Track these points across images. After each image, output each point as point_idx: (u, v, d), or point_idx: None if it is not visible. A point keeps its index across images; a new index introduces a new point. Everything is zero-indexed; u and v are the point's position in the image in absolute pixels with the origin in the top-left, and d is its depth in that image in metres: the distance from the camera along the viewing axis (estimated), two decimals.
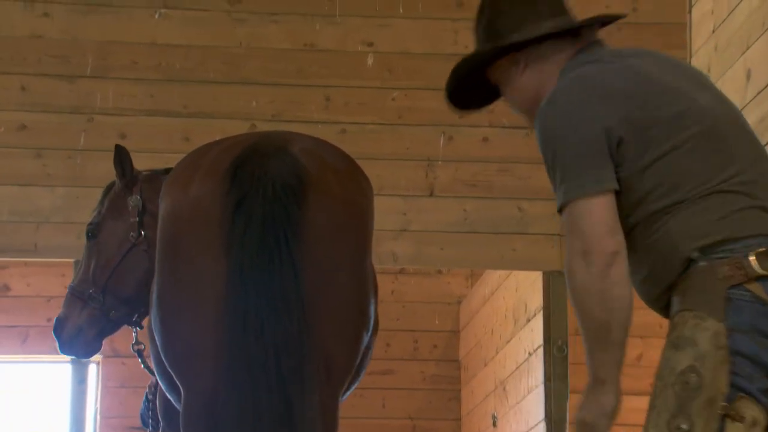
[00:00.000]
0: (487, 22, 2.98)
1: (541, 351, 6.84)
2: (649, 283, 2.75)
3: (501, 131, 6.99)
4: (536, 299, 7.01)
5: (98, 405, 8.46)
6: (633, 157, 2.68)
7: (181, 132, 6.75)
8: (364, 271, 3.46)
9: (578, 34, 2.90)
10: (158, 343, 3.47)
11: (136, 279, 4.33)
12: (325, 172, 3.42)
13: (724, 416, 2.54)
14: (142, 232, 4.28)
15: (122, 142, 6.68)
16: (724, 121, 2.78)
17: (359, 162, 3.66)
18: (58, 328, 4.49)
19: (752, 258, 2.57)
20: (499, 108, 7.55)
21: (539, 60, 2.91)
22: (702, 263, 2.62)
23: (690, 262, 2.63)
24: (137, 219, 4.29)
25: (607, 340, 2.64)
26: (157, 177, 4.39)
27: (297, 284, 3.26)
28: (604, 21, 2.97)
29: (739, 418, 2.54)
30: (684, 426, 2.54)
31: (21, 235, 6.67)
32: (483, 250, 6.88)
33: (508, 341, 7.79)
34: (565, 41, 2.90)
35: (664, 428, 2.56)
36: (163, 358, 3.46)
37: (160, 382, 3.66)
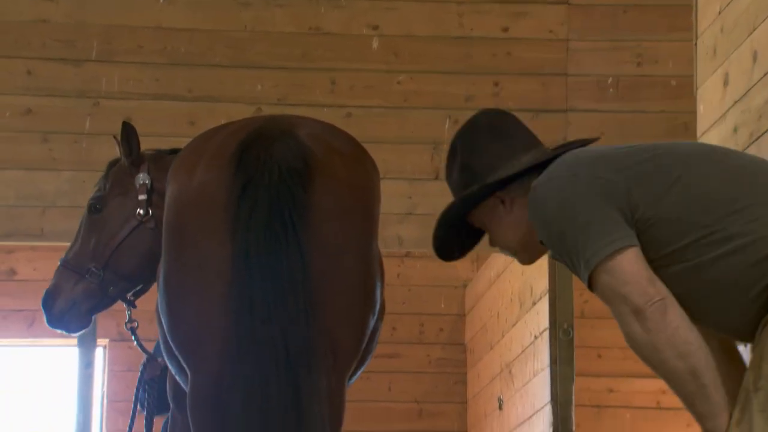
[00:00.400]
0: (462, 164, 2.94)
1: (546, 334, 6.84)
2: (745, 296, 2.59)
3: None
4: (542, 282, 7.01)
5: (105, 389, 8.48)
6: (646, 195, 2.63)
7: (187, 116, 6.75)
8: (371, 255, 3.46)
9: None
10: (165, 327, 3.48)
11: (140, 256, 4.32)
12: (331, 155, 3.41)
13: None
14: (150, 210, 4.27)
15: None
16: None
17: (365, 145, 3.66)
18: (48, 301, 4.45)
19: None
20: (504, 91, 7.58)
21: (524, 193, 2.85)
22: None
23: None
24: (146, 197, 4.28)
25: (702, 386, 2.52)
26: (162, 157, 4.38)
27: (303, 268, 3.26)
28: (580, 146, 2.91)
29: None
30: None
31: (27, 220, 6.68)
32: None
33: (514, 324, 7.79)
34: (542, 168, 2.84)
35: None
36: (169, 341, 3.47)
37: (168, 365, 3.67)
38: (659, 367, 2.56)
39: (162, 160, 4.33)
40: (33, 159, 6.70)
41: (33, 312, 8.36)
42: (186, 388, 3.54)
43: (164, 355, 3.67)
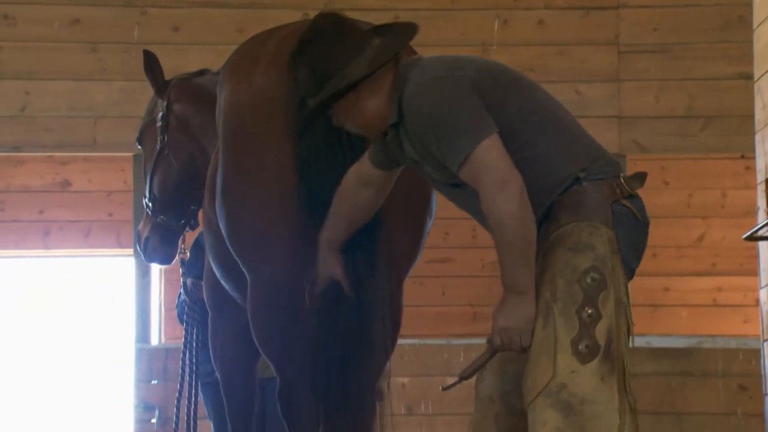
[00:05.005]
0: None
1: None
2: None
3: (557, 13, 6.90)
4: None
5: (162, 297, 8.57)
6: (493, 102, 3.05)
7: (234, 23, 6.72)
8: None
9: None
10: (224, 232, 3.49)
11: (165, 182, 4.36)
12: None
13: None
14: (165, 137, 4.30)
15: (175, 35, 6.68)
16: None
17: (414, 48, 3.63)
18: (137, 241, 4.60)
19: (622, 180, 3.07)
20: None
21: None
22: (585, 183, 3.05)
23: (574, 181, 3.04)
24: (162, 123, 4.31)
25: (529, 256, 3.02)
26: (189, 79, 4.40)
27: None
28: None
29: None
30: (591, 312, 2.97)
31: (79, 131, 6.72)
32: None
33: None
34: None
35: (574, 316, 2.98)
36: (228, 246, 3.48)
37: (215, 271, 3.70)
38: (507, 231, 3.00)
39: (187, 82, 4.35)
40: (82, 70, 6.70)
41: (89, 222, 8.43)
42: (233, 294, 3.57)
43: (211, 260, 3.70)
